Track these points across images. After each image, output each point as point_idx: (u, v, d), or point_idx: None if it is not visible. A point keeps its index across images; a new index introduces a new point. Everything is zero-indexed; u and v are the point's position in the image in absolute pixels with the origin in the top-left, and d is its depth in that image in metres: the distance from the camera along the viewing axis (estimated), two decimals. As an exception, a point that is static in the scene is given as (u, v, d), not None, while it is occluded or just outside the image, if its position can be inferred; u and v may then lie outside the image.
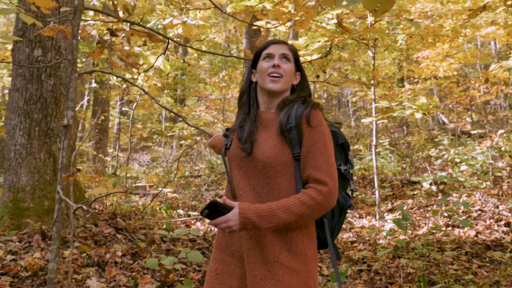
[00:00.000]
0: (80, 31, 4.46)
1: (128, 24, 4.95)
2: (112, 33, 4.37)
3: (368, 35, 7.68)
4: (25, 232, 5.32)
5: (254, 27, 8.67)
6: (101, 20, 4.20)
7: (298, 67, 2.30)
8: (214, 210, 1.99)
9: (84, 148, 15.10)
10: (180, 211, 8.60)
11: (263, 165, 2.13)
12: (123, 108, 17.07)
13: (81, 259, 4.79)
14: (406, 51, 18.75)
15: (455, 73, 16.44)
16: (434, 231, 6.65)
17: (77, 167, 2.84)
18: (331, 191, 1.98)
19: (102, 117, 17.13)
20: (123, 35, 4.77)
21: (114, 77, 11.37)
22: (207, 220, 5.03)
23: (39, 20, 4.10)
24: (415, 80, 18.77)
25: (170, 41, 4.23)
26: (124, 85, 14.51)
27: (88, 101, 19.90)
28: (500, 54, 22.05)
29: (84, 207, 2.52)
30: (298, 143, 2.09)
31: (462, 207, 7.52)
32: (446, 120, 18.25)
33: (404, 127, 19.88)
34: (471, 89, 16.04)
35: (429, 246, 5.66)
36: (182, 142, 21.62)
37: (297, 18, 3.48)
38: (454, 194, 8.40)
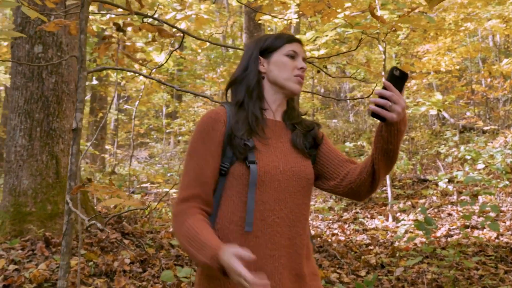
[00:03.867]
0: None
1: (136, 18, 4.67)
2: (119, 28, 4.09)
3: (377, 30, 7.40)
4: (27, 239, 5.04)
5: (260, 21, 8.40)
6: (110, 14, 3.93)
7: None
8: (398, 80, 1.62)
9: (84, 147, 14.81)
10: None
11: (306, 182, 1.87)
12: (126, 106, 16.77)
13: (88, 268, 4.52)
14: (406, 46, 18.51)
15: (457, 67, 16.22)
16: (457, 232, 6.41)
17: (88, 177, 2.55)
18: None
19: (100, 114, 16.83)
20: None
21: (115, 74, 11.07)
22: None
23: (43, 14, 3.82)
24: (413, 75, 18.50)
25: (191, 36, 3.96)
26: (123, 82, 14.19)
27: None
28: (500, 48, 21.80)
29: (98, 225, 2.25)
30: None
31: (476, 208, 7.27)
32: (446, 115, 18.00)
33: (405, 122, 19.60)
34: (473, 84, 15.80)
35: (452, 250, 5.41)
36: (180, 138, 21.40)
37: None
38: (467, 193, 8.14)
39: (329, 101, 28.03)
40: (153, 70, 8.09)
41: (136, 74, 9.20)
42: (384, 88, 1.59)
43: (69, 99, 5.77)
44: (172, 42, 8.45)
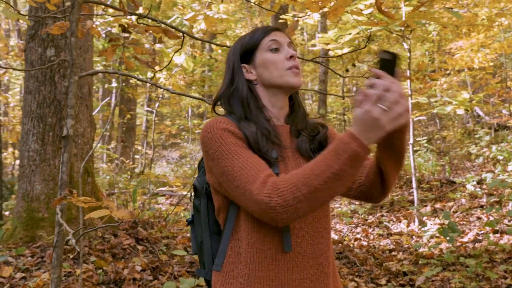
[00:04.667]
0: (89, 28, 4.07)
1: (145, 19, 4.57)
2: (125, 29, 3.98)
3: (402, 28, 7.14)
4: (38, 245, 4.97)
5: (281, 21, 8.22)
6: (110, 15, 3.80)
7: None
8: (388, 65, 1.38)
9: (103, 151, 14.84)
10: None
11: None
12: (146, 108, 16.78)
13: (97, 276, 4.40)
14: (439, 42, 18.09)
15: (491, 63, 15.76)
16: (481, 237, 6.12)
17: (70, 190, 2.39)
18: None
19: (128, 116, 16.87)
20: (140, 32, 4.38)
21: (139, 75, 11.02)
22: None
23: (49, 17, 3.73)
24: (447, 72, 18.09)
25: (191, 36, 3.82)
26: (147, 84, 14.16)
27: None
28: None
29: (72, 240, 2.11)
30: None
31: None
32: (481, 113, 17.50)
33: (437, 120, 19.17)
34: (508, 81, 15.33)
35: (478, 257, 5.14)
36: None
37: (331, 3, 3.02)
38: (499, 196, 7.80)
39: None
40: (164, 73, 7.95)
41: (153, 77, 9.11)
42: (376, 77, 1.36)
43: (82, 103, 5.69)
44: (192, 42, 8.34)
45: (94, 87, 19.13)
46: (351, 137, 1.35)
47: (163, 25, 3.70)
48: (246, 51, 1.73)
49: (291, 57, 1.69)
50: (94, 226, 5.47)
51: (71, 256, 4.79)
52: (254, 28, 1.77)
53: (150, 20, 4.01)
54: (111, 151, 15.93)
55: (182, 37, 3.19)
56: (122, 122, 17.06)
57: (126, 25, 3.92)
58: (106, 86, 17.08)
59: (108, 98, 15.85)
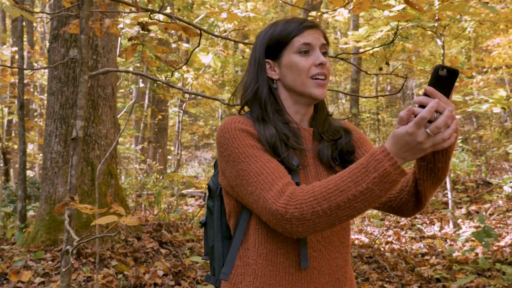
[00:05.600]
0: (108, 27, 3.97)
1: (166, 17, 4.50)
2: (144, 27, 3.87)
3: (436, 24, 6.87)
4: (60, 249, 4.90)
5: (309, 18, 8.04)
6: (130, 12, 3.69)
7: None
8: (444, 82, 1.22)
9: (133, 153, 14.84)
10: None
11: None
12: (174, 109, 16.74)
13: (117, 281, 4.30)
14: (475, 39, 17.67)
15: (530, 61, 15.29)
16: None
17: (71, 196, 2.26)
18: None
19: (160, 117, 16.87)
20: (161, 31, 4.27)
21: (162, 77, 10.97)
22: None
23: (61, 15, 3.64)
24: (484, 70, 17.64)
25: (209, 33, 3.69)
26: (179, 84, 14.12)
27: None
28: None
29: (70, 250, 1.98)
30: None
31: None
32: (519, 111, 16.97)
33: (474, 119, 18.68)
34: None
35: (510, 267, 4.87)
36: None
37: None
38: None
39: (395, 98, 27.21)
40: (192, 73, 7.85)
41: (182, 76, 9.03)
42: (426, 94, 1.20)
43: (105, 104, 5.61)
44: (220, 43, 8.23)
45: (128, 89, 19.20)
46: (385, 155, 1.22)
47: (180, 22, 3.58)
48: (274, 45, 1.57)
49: (320, 65, 1.53)
50: (117, 230, 5.40)
51: (92, 260, 4.70)
52: (289, 19, 1.59)
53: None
54: (138, 153, 15.94)
55: (200, 34, 3.05)
56: (154, 123, 17.08)
57: (144, 23, 3.81)
58: (133, 86, 17.12)
59: (133, 100, 15.89)
